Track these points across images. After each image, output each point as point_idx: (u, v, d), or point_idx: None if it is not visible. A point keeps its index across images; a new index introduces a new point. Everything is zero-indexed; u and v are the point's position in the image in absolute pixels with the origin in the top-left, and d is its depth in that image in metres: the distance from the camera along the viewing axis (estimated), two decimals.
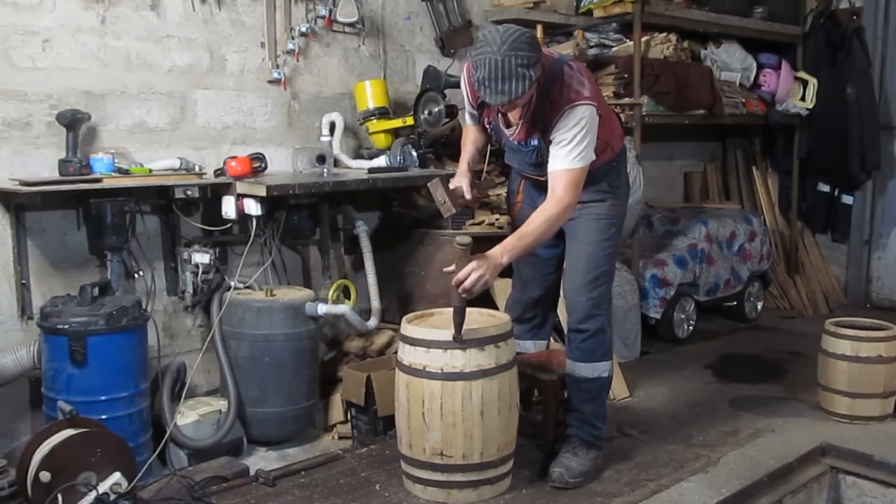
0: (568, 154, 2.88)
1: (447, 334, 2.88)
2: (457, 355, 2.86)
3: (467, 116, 3.33)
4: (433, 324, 3.06)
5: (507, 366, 2.96)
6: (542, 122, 2.94)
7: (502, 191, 4.20)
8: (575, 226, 3.17)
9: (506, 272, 3.46)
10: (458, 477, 2.93)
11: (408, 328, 3.00)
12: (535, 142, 3.01)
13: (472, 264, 2.79)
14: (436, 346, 2.89)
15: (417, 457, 2.97)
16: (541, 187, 3.18)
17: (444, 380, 2.86)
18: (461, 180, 3.21)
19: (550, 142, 2.93)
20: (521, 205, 3.38)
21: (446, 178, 3.19)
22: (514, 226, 3.43)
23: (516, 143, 3.08)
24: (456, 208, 3.10)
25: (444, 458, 2.91)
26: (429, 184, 3.11)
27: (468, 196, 3.19)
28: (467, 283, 2.77)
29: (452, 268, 2.82)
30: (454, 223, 4.29)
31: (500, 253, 2.86)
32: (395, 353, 3.20)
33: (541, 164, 3.05)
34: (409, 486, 3.07)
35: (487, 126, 3.21)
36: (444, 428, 2.88)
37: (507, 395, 2.96)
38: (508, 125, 3.07)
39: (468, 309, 2.89)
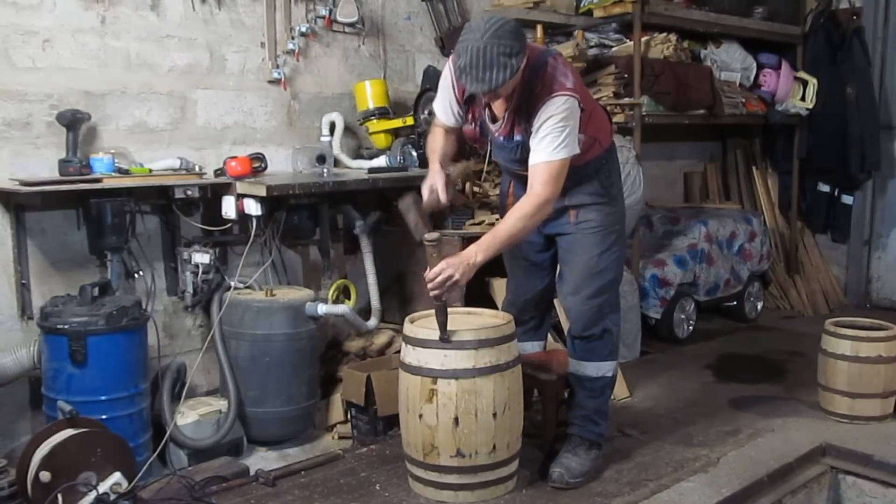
0: (547, 146, 2.81)
1: (451, 333, 2.86)
2: (460, 355, 2.84)
3: (441, 114, 3.14)
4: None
5: (510, 364, 2.93)
6: (525, 114, 2.88)
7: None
8: (572, 241, 3.12)
9: (503, 272, 3.47)
10: (466, 478, 2.90)
11: (410, 328, 2.98)
12: (518, 137, 2.96)
13: (442, 264, 2.76)
14: (438, 346, 2.87)
15: (422, 458, 2.94)
16: (526, 183, 3.14)
17: (448, 378, 2.84)
18: (435, 179, 3.03)
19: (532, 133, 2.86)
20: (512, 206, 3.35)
21: (419, 197, 2.99)
22: None
23: (501, 138, 3.02)
24: (428, 228, 2.90)
25: (450, 459, 2.88)
26: (399, 203, 2.94)
27: (443, 197, 3.02)
28: (435, 284, 2.75)
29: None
30: (454, 222, 4.29)
31: (475, 252, 2.81)
32: (396, 352, 3.19)
33: (524, 159, 2.97)
34: (414, 487, 3.04)
35: (472, 124, 3.10)
36: (449, 428, 2.85)
37: (511, 394, 2.93)
38: (494, 119, 3.00)
39: (463, 308, 2.90)
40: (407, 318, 3.07)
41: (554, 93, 2.80)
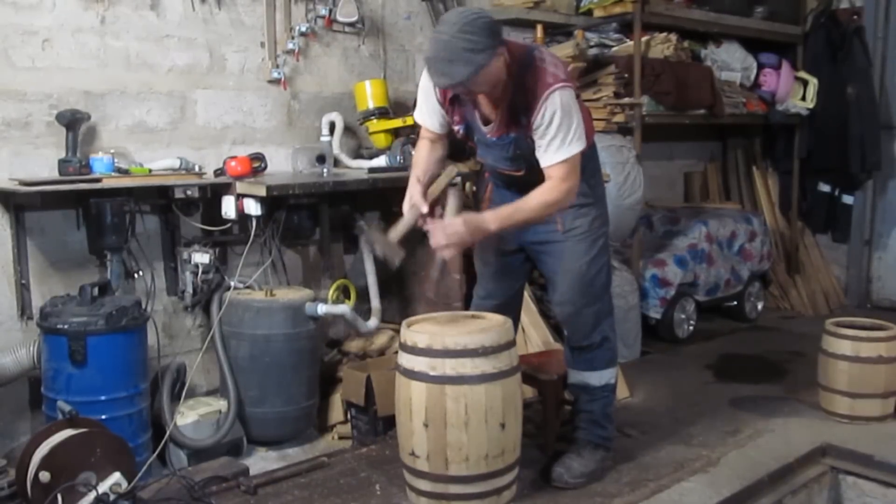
0: (560, 145, 2.75)
1: (448, 340, 2.79)
2: (462, 361, 2.75)
3: (425, 121, 3.05)
4: (432, 329, 2.96)
5: (511, 371, 2.86)
6: (523, 111, 2.79)
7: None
8: (561, 249, 3.06)
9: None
10: (470, 488, 2.83)
11: (407, 333, 2.90)
12: (513, 133, 2.86)
13: (459, 220, 2.74)
14: (436, 354, 2.78)
15: (420, 467, 2.86)
16: (513, 186, 3.04)
17: (447, 384, 2.76)
18: (412, 192, 2.91)
19: (533, 132, 2.78)
20: (487, 209, 3.24)
21: (378, 224, 2.89)
22: None
23: (494, 138, 2.92)
24: (402, 249, 2.84)
25: (449, 468, 2.80)
26: (363, 237, 2.86)
27: (423, 207, 2.85)
28: (446, 234, 2.72)
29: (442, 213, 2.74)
30: None
31: (491, 219, 2.79)
32: (396, 352, 3.16)
33: (518, 156, 2.91)
34: (413, 499, 2.97)
35: (456, 127, 3.01)
36: (449, 436, 2.77)
37: (512, 401, 2.86)
38: (486, 122, 2.91)
39: (466, 312, 2.84)
40: (404, 323, 2.98)
41: (551, 86, 2.72)
